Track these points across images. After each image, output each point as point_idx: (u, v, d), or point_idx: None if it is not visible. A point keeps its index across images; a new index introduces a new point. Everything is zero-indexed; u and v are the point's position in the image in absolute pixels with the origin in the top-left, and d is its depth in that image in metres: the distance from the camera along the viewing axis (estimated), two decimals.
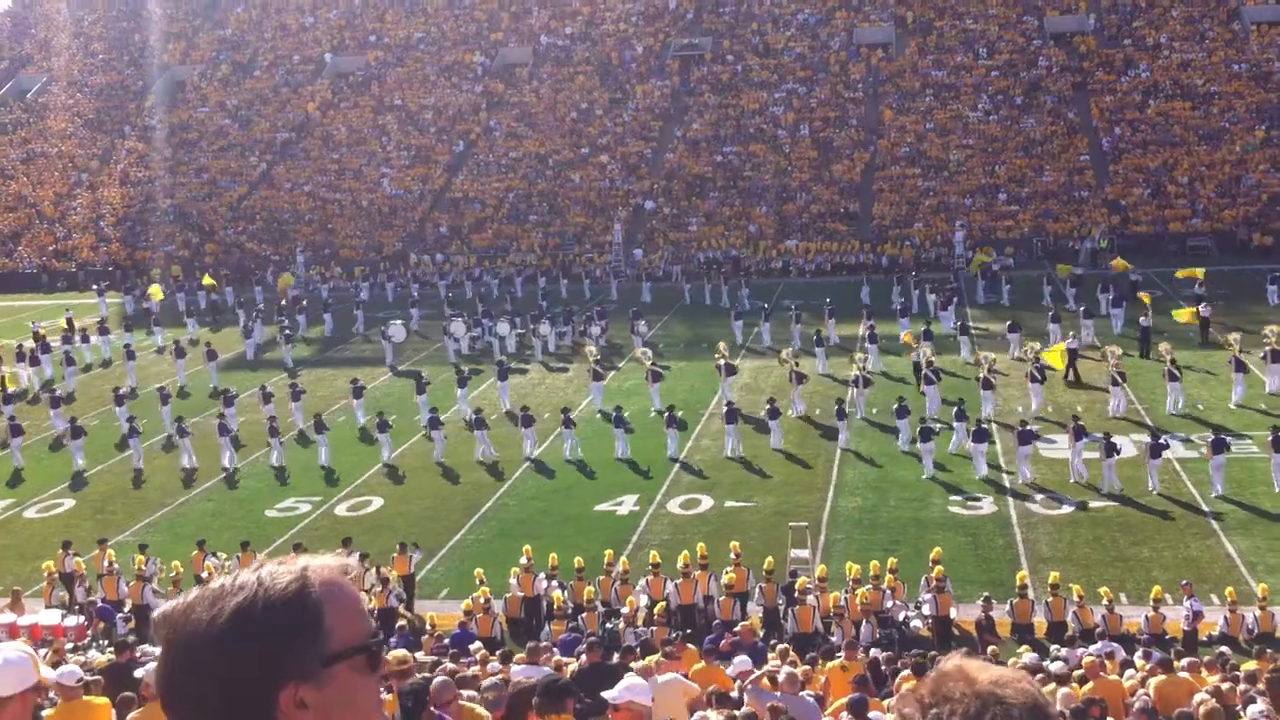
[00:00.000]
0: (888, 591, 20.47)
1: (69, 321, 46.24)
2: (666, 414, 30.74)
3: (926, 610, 20.31)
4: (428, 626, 19.83)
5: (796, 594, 19.96)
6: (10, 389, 38.64)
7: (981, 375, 31.74)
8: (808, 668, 15.07)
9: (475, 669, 13.50)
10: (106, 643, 19.05)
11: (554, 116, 70.43)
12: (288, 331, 44.26)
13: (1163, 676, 13.93)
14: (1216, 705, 11.18)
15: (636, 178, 65.19)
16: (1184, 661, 15.20)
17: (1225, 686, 13.23)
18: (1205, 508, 24.97)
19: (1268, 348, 32.49)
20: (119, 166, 72.81)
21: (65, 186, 71.83)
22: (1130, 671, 15.26)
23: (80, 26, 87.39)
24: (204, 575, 21.72)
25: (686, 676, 13.20)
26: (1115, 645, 17.62)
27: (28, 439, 33.13)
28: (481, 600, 20.38)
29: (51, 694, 9.51)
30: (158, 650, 1.82)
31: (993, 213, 58.93)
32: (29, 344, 43.12)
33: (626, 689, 7.70)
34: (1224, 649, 17.39)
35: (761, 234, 59.91)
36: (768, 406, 30.63)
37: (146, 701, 9.62)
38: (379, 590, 20.98)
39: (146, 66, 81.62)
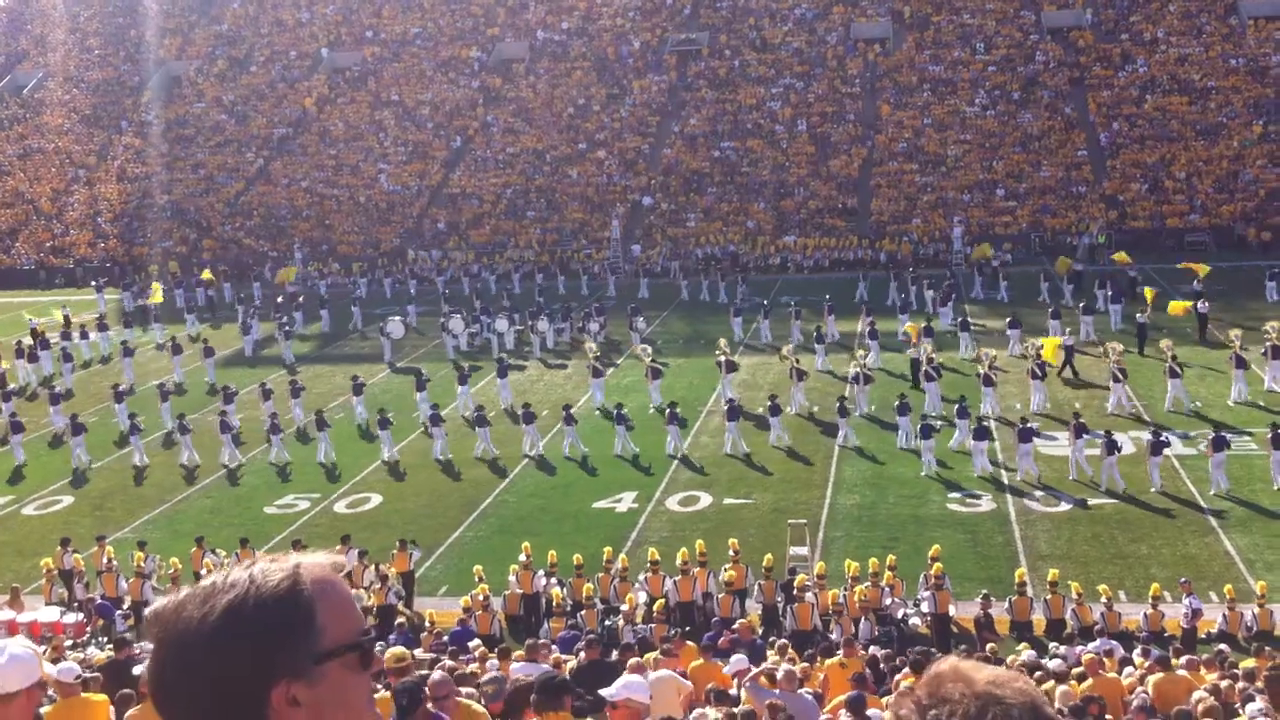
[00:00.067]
0: (886, 589, 20.46)
1: (66, 318, 46.20)
2: (668, 410, 30.73)
3: (925, 607, 20.30)
4: (427, 624, 19.81)
5: (795, 591, 19.94)
6: (9, 385, 38.63)
7: (982, 372, 31.74)
8: (806, 665, 15.06)
9: (474, 666, 13.50)
10: (105, 639, 19.04)
11: (551, 112, 70.36)
12: (286, 328, 44.24)
13: (1161, 674, 13.92)
14: (1215, 703, 11.19)
15: (634, 173, 65.15)
16: (1182, 659, 15.21)
17: (1224, 684, 13.23)
18: (1204, 505, 24.98)
19: (1268, 344, 32.49)
20: (116, 162, 72.75)
21: (62, 182, 71.79)
22: (1129, 669, 15.25)
23: (76, 22, 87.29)
24: (203, 572, 21.62)
25: (685, 674, 13.21)
26: (1114, 643, 17.59)
27: (27, 435, 33.13)
28: (480, 597, 20.38)
29: (50, 691, 9.50)
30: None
31: (990, 208, 58.95)
32: (27, 341, 43.08)
33: (624, 686, 7.69)
34: (1222, 647, 17.40)
35: (759, 230, 59.89)
36: (769, 403, 30.64)
37: (145, 698, 9.61)
38: (378, 587, 20.97)
39: (143, 62, 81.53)
